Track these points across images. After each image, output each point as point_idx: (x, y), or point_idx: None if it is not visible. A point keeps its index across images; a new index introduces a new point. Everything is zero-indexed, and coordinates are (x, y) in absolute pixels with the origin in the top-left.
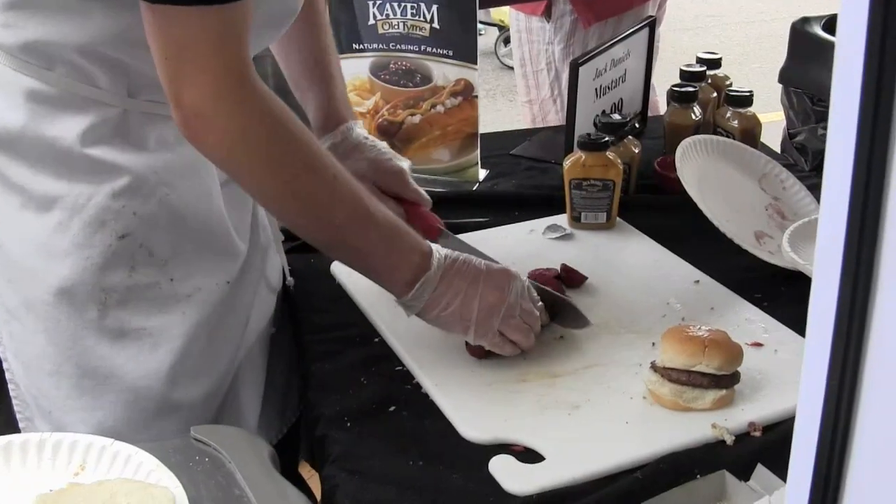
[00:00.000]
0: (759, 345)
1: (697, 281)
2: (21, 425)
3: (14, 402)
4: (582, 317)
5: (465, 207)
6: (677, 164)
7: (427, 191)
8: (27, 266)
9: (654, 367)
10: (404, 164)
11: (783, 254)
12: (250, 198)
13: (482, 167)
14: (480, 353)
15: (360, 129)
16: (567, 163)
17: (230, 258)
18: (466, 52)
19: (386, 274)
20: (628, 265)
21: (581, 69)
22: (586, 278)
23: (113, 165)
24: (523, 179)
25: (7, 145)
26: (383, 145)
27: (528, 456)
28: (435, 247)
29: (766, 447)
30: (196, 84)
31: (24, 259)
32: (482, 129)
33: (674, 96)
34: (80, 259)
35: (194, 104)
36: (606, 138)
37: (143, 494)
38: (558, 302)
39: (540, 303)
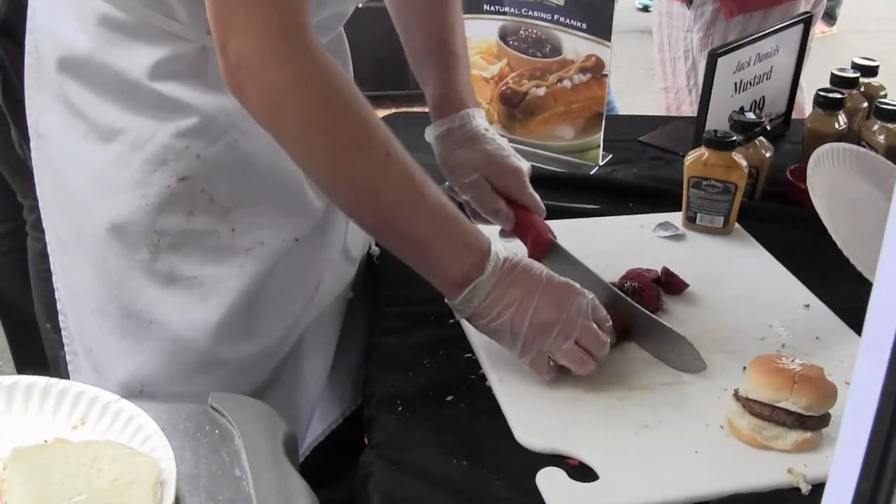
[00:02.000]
0: None
1: (808, 305)
2: (67, 358)
3: (63, 333)
4: (695, 357)
5: (578, 191)
6: (808, 173)
7: (541, 168)
8: (82, 197)
9: (736, 395)
10: (524, 165)
11: None
12: None
13: (605, 150)
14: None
15: (482, 120)
16: (689, 158)
17: (302, 215)
18: (601, 28)
19: (435, 270)
20: (736, 277)
21: (720, 60)
22: (687, 286)
23: (181, 103)
24: (645, 169)
25: (74, 69)
26: (504, 142)
27: (582, 472)
28: (495, 248)
29: None
30: (244, 31)
31: (81, 190)
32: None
33: (819, 101)
34: (136, 197)
35: (239, 53)
36: (734, 137)
37: (128, 462)
38: (648, 323)
39: (609, 323)
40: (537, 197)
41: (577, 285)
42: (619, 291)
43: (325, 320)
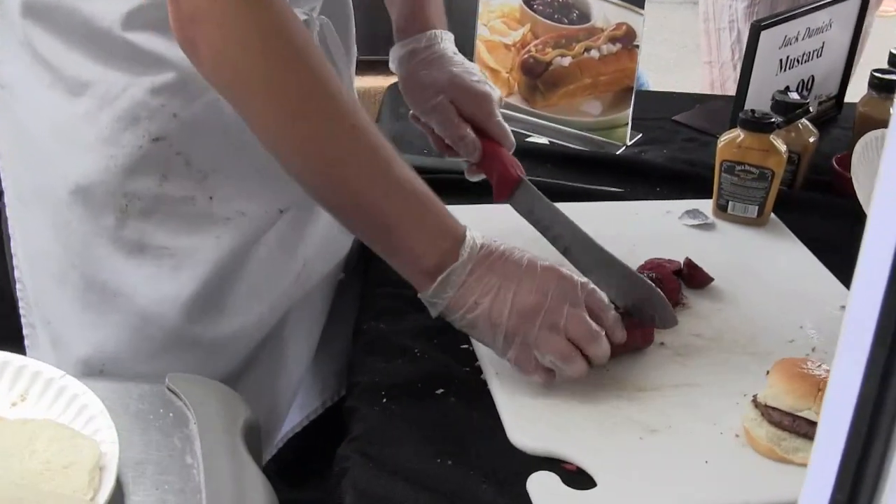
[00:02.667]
0: None
1: (844, 307)
2: (25, 332)
3: (20, 304)
4: (669, 313)
5: (602, 172)
6: (853, 161)
7: (563, 146)
8: (46, 153)
9: (755, 401)
10: (494, 91)
11: None
12: None
13: (633, 128)
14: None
15: (450, 44)
16: (723, 140)
17: (288, 184)
18: None
19: (408, 258)
20: (769, 272)
21: (763, 33)
22: (712, 279)
23: (157, 57)
24: (677, 151)
25: (40, 14)
26: (474, 66)
27: (578, 479)
28: (471, 234)
29: None
30: None
31: (44, 145)
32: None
33: (873, 83)
34: (104, 156)
35: (193, 2)
36: (773, 119)
37: (66, 444)
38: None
39: (613, 311)
40: (507, 127)
41: (564, 269)
42: (601, 246)
43: (312, 301)
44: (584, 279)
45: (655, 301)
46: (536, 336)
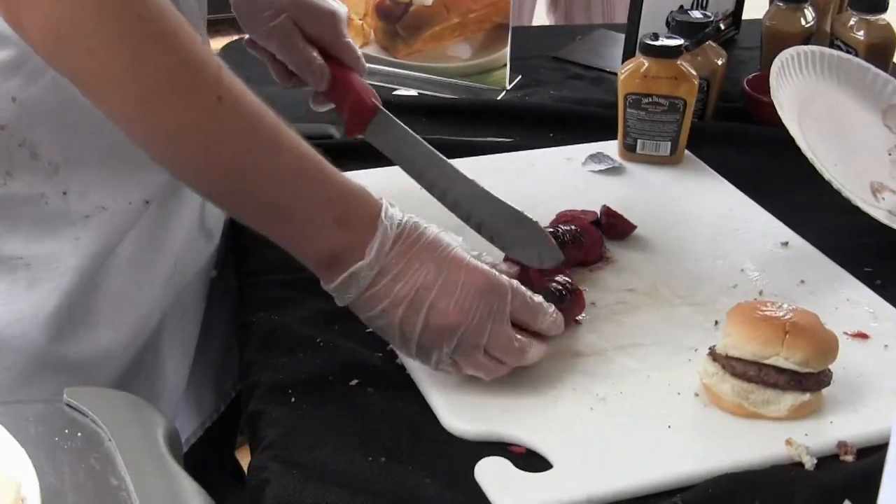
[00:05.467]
0: (862, 336)
1: (786, 243)
2: None
3: None
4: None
5: (484, 122)
6: (772, 84)
7: (435, 97)
8: None
9: (713, 354)
10: (341, 7)
11: None
12: None
13: (512, 70)
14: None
15: None
16: (624, 72)
17: (151, 170)
18: None
19: (298, 246)
20: (694, 215)
21: None
22: (635, 227)
23: None
24: (565, 91)
25: None
26: None
27: (531, 461)
28: (387, 221)
29: (859, 477)
30: None
31: None
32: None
33: None
34: None
35: None
36: (680, 42)
37: None
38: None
39: (548, 314)
40: (356, 48)
41: (491, 272)
42: (473, 180)
43: (186, 303)
44: (515, 282)
45: (537, 237)
46: (454, 352)
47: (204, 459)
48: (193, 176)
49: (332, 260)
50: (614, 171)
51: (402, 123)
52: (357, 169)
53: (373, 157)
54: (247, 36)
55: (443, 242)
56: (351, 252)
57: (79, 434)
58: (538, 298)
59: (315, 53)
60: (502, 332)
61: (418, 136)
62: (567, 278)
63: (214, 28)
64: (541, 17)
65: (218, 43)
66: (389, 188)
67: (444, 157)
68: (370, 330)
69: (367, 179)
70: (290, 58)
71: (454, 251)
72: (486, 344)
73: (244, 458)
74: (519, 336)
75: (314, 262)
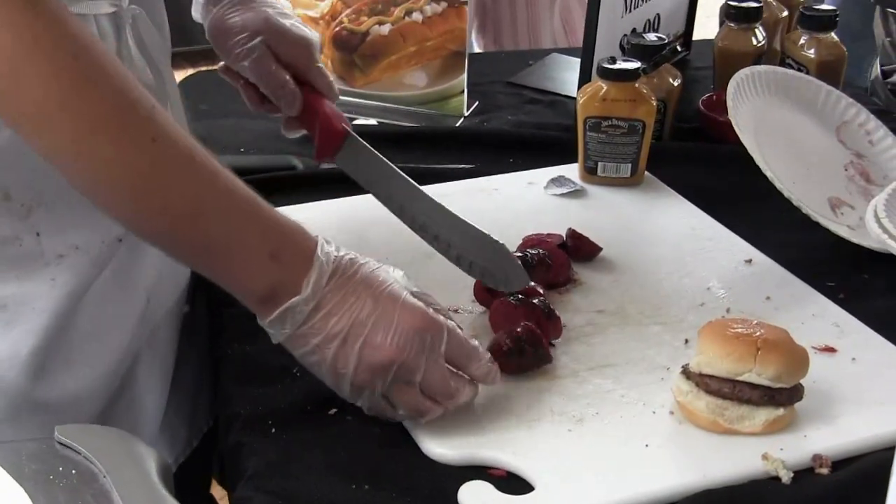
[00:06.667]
0: (830, 350)
1: (749, 260)
2: None
3: None
4: (519, 271)
5: (444, 149)
6: (729, 104)
7: (395, 125)
8: None
9: (686, 372)
10: (313, 35)
11: (868, 229)
12: None
13: (469, 97)
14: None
15: None
16: (583, 96)
17: None
18: None
19: (231, 281)
20: (658, 234)
21: None
22: (601, 249)
23: None
24: (522, 115)
25: None
26: (289, 7)
27: (512, 484)
28: (322, 257)
29: (837, 489)
30: None
31: None
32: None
33: (729, 13)
34: None
35: None
36: (637, 65)
37: None
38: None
39: (483, 359)
40: (329, 75)
41: (426, 310)
42: (441, 204)
43: (160, 338)
44: (451, 323)
45: (505, 260)
46: (387, 389)
47: (180, 496)
48: (128, 216)
49: (268, 295)
50: (576, 193)
51: (371, 148)
52: (319, 200)
53: (335, 189)
54: (218, 65)
55: (380, 278)
56: (286, 287)
57: (73, 471)
58: (474, 343)
59: (288, 77)
60: (437, 370)
61: (387, 161)
62: (545, 299)
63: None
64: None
65: (178, 76)
66: (355, 218)
67: (413, 182)
68: None
69: (328, 209)
70: (262, 80)
71: (391, 287)
72: (421, 382)
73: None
74: (454, 375)
75: (251, 298)
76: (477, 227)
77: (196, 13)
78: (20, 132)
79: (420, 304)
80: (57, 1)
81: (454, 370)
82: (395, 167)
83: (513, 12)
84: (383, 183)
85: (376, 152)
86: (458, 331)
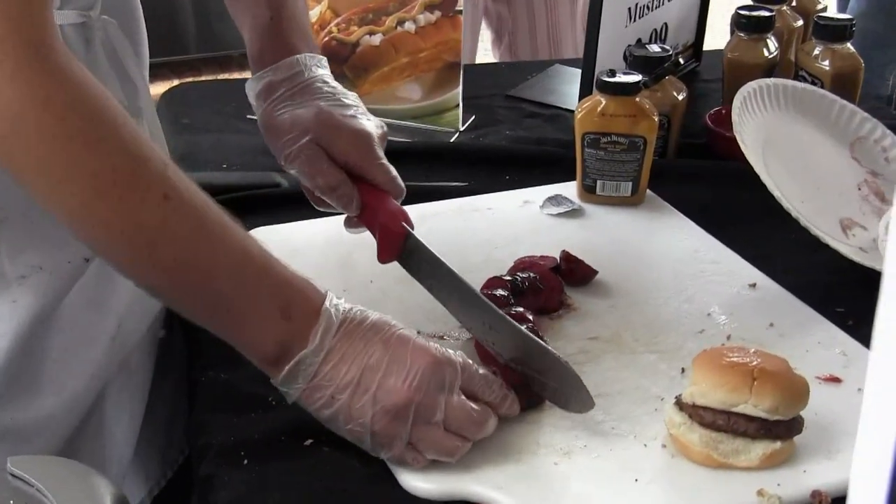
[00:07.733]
0: (835, 380)
1: (753, 284)
2: None
3: None
4: (585, 394)
5: (438, 165)
6: (735, 119)
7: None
8: None
9: (679, 403)
10: (374, 127)
11: (881, 251)
12: None
13: (465, 110)
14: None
15: (322, 69)
16: (581, 111)
17: None
18: None
19: (242, 341)
20: (657, 257)
21: None
22: (596, 273)
23: None
24: (521, 130)
25: None
26: (352, 97)
27: None
28: (330, 308)
29: None
30: None
31: None
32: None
33: (739, 22)
34: None
35: None
36: (639, 78)
37: None
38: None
39: (498, 387)
40: (392, 171)
41: (438, 348)
42: (496, 308)
43: (132, 365)
44: (462, 358)
45: (572, 381)
46: (411, 434)
47: None
48: (137, 271)
49: (278, 352)
50: (573, 213)
51: (431, 250)
52: (303, 219)
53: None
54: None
55: (388, 323)
56: (296, 342)
57: None
58: (482, 370)
59: (341, 178)
60: (458, 405)
61: (445, 262)
62: (534, 326)
63: (153, 73)
64: (485, 52)
65: (158, 88)
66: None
67: (473, 288)
68: None
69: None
70: (313, 182)
71: (399, 331)
72: (445, 420)
73: None
74: (476, 406)
75: (260, 355)
76: (540, 341)
77: (250, 96)
78: (27, 190)
79: (430, 343)
80: (66, 54)
81: (474, 403)
82: (452, 269)
83: (532, 21)
84: (440, 287)
85: (434, 253)
86: (470, 362)
